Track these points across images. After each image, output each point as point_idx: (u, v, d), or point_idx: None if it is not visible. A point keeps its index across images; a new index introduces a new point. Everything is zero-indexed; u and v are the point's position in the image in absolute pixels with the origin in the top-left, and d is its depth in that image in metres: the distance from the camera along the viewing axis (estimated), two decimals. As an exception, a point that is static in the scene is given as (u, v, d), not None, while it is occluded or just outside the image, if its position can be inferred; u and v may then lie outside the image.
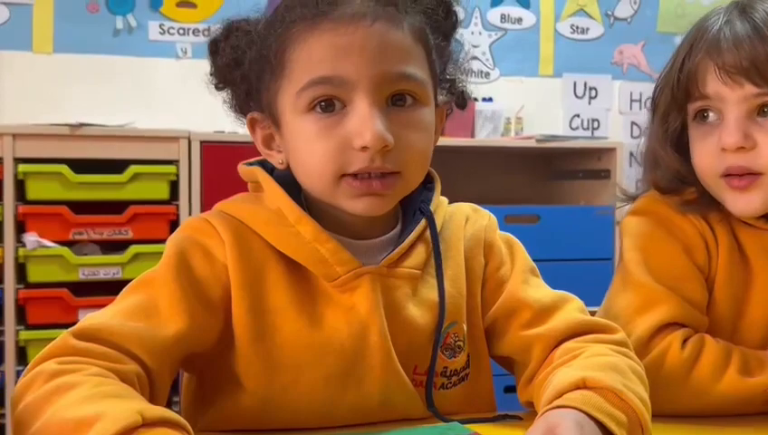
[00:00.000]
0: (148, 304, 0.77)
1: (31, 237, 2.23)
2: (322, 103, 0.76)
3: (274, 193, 0.81)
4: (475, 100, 3.04)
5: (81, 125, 2.29)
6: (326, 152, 0.76)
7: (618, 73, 3.30)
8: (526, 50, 3.21)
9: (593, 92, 3.26)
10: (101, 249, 2.36)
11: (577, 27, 3.26)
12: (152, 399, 0.71)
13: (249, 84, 0.82)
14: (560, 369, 0.75)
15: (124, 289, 0.82)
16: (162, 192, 2.35)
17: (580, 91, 3.26)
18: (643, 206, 0.97)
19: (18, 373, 2.23)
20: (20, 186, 2.24)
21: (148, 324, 0.75)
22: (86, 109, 2.58)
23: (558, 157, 3.00)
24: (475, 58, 3.17)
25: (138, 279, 0.82)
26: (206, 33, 2.81)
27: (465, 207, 0.92)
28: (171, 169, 2.34)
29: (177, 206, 2.35)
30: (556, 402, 0.69)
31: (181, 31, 2.83)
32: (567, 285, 0.87)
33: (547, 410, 0.68)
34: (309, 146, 0.77)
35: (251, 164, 0.86)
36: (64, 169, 2.25)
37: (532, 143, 2.81)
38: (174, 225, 2.35)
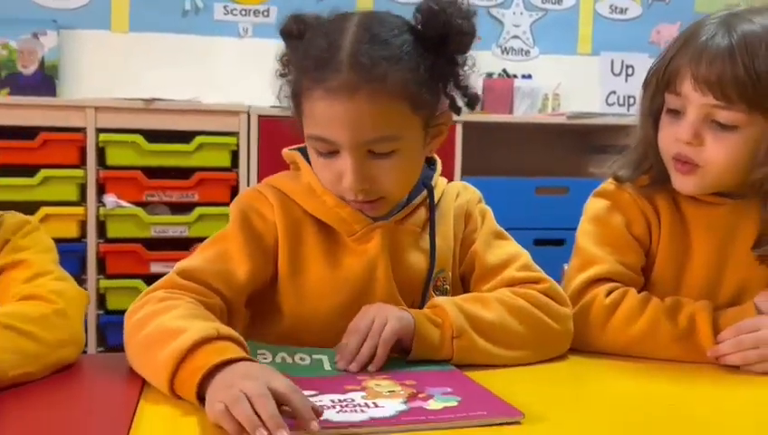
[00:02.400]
0: (223, 253, 1.03)
1: (110, 198, 2.53)
2: (322, 150, 0.98)
3: (307, 173, 1.06)
4: (515, 77, 3.24)
5: (154, 100, 2.58)
6: (329, 180, 1.00)
7: (655, 52, 3.38)
8: (565, 29, 3.37)
9: (630, 70, 3.41)
10: (170, 210, 2.65)
11: (616, 7, 3.41)
12: (228, 326, 0.96)
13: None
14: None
15: (203, 243, 1.07)
16: (224, 160, 2.62)
17: (617, 68, 3.41)
18: (601, 189, 1.18)
19: (98, 317, 2.55)
20: (101, 153, 2.54)
21: (225, 267, 1.01)
22: (157, 84, 2.85)
23: (592, 132, 3.16)
24: (515, 37, 3.35)
25: (213, 236, 1.07)
26: (265, 13, 3.07)
27: (458, 185, 1.15)
28: (232, 139, 2.61)
29: (237, 173, 2.63)
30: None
31: (243, 12, 3.08)
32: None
33: None
34: (318, 168, 1.01)
35: (292, 150, 1.11)
36: (139, 138, 2.54)
37: (563, 119, 2.99)
38: (234, 190, 2.63)
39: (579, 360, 1.03)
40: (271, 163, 2.60)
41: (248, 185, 2.61)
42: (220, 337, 0.83)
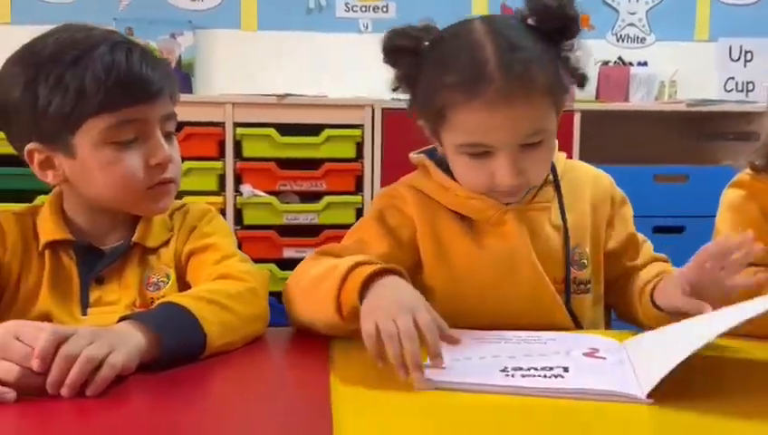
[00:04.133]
0: (360, 241, 1.16)
1: (246, 188, 2.72)
2: (474, 153, 1.07)
3: (436, 174, 1.17)
4: (630, 64, 3.25)
5: (287, 95, 2.74)
6: (478, 181, 1.10)
7: (776, 37, 3.36)
8: (682, 15, 3.35)
9: (749, 56, 3.36)
10: (300, 199, 2.81)
11: (735, -8, 3.36)
12: None
13: (415, 100, 1.13)
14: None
15: (348, 232, 1.21)
16: (350, 152, 2.76)
17: (735, 54, 3.36)
18: (737, 179, 1.23)
19: (235, 298, 2.74)
20: (237, 145, 2.73)
21: (362, 250, 1.13)
22: (283, 80, 3.02)
23: (710, 119, 3.13)
24: (631, 25, 3.35)
25: (352, 228, 1.21)
26: (384, 9, 3.20)
27: (587, 168, 1.24)
28: (357, 132, 2.75)
29: (362, 163, 2.76)
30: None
31: (363, 8, 3.22)
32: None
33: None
34: (460, 171, 1.11)
35: (419, 154, 1.21)
36: (272, 131, 2.71)
37: (682, 107, 2.99)
38: (359, 179, 2.78)
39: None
40: (394, 153, 2.72)
41: (372, 175, 2.74)
42: (370, 262, 0.99)
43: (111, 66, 1.03)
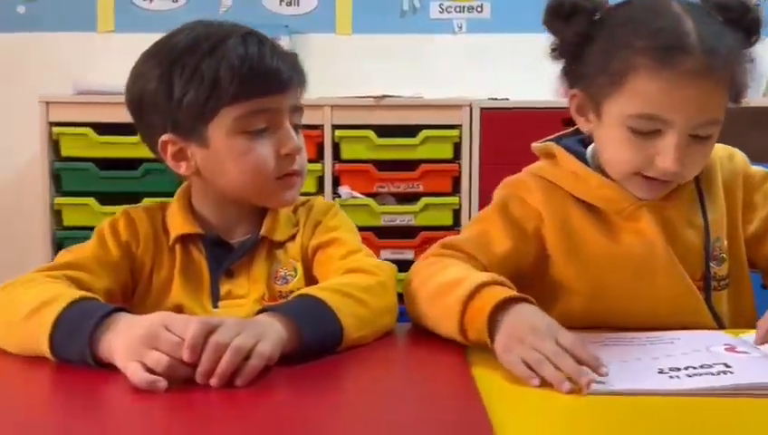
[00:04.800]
0: (484, 233, 1.13)
1: (344, 190, 2.72)
2: (642, 128, 1.01)
3: (568, 159, 1.13)
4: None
5: (384, 96, 2.74)
6: (632, 160, 1.03)
7: None
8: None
9: None
10: (396, 200, 2.81)
11: None
12: None
13: (580, 67, 1.07)
14: None
15: (471, 221, 1.18)
16: (447, 152, 2.74)
17: None
18: None
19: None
20: (336, 148, 2.74)
21: (485, 245, 1.11)
22: (379, 82, 3.02)
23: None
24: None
25: (473, 219, 1.18)
26: (479, 9, 3.16)
27: (717, 148, 1.14)
28: (455, 132, 2.73)
29: (460, 164, 2.74)
30: None
31: (458, 8, 3.19)
32: None
33: None
34: (615, 147, 1.05)
35: (546, 142, 1.17)
36: (370, 133, 2.71)
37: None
38: (456, 180, 2.75)
39: None
40: (492, 153, 2.69)
41: (470, 175, 2.71)
42: (495, 282, 0.95)
43: (245, 57, 1.05)
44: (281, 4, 3.20)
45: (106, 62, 3.09)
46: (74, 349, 0.87)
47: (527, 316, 0.90)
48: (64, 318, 0.88)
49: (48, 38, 3.13)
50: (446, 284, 1.00)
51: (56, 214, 2.75)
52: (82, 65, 3.08)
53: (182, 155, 1.10)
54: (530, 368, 0.83)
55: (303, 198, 1.21)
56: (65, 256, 1.08)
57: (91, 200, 2.71)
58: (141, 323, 0.84)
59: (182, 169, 1.11)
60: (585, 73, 1.07)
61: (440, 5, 3.19)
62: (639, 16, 1.03)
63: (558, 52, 1.09)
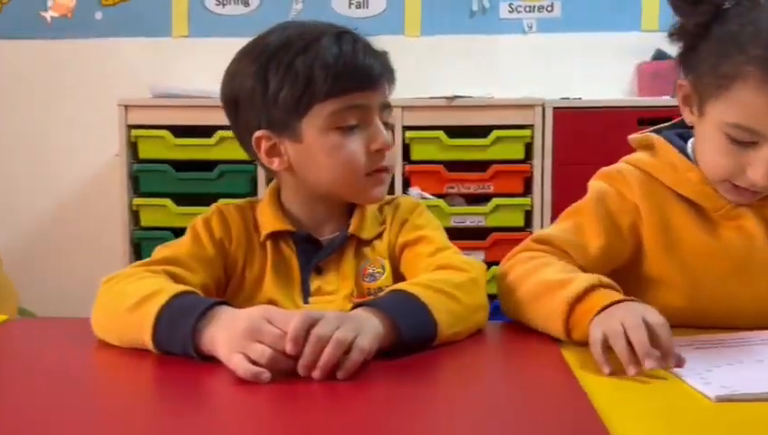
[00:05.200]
0: (578, 226, 1.12)
1: (414, 191, 2.73)
2: (738, 138, 0.99)
3: (668, 150, 1.11)
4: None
5: (455, 97, 2.74)
6: (724, 166, 1.02)
7: None
8: None
9: None
10: (466, 201, 2.80)
11: None
12: None
13: (693, 59, 1.04)
14: None
15: (561, 215, 1.17)
16: (518, 153, 2.72)
17: None
18: None
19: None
20: (406, 149, 2.75)
21: (578, 239, 1.10)
22: (449, 83, 3.02)
23: None
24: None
25: (567, 210, 1.16)
26: (549, 9, 3.14)
27: None
28: (527, 132, 2.71)
29: (531, 165, 2.72)
30: None
31: (528, 8, 3.17)
32: None
33: None
34: (710, 150, 1.03)
35: (647, 133, 1.15)
36: (441, 134, 2.71)
37: None
38: (528, 181, 2.73)
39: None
40: (565, 153, 2.66)
41: (542, 176, 2.69)
42: (602, 285, 0.95)
43: (339, 54, 1.07)
44: (350, 7, 3.23)
45: (181, 66, 3.17)
46: (177, 341, 0.89)
47: (625, 304, 0.91)
48: (167, 311, 0.91)
49: (125, 43, 3.22)
50: (549, 283, 1.00)
51: (134, 214, 2.82)
52: (158, 69, 3.16)
53: (275, 151, 1.12)
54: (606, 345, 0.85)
55: (389, 197, 1.21)
56: (162, 251, 1.10)
57: (167, 201, 2.78)
58: (243, 317, 0.86)
59: (275, 164, 1.13)
60: (695, 67, 1.05)
61: (510, 5, 3.17)
62: (763, 22, 0.99)
63: (676, 36, 1.06)
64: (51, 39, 3.24)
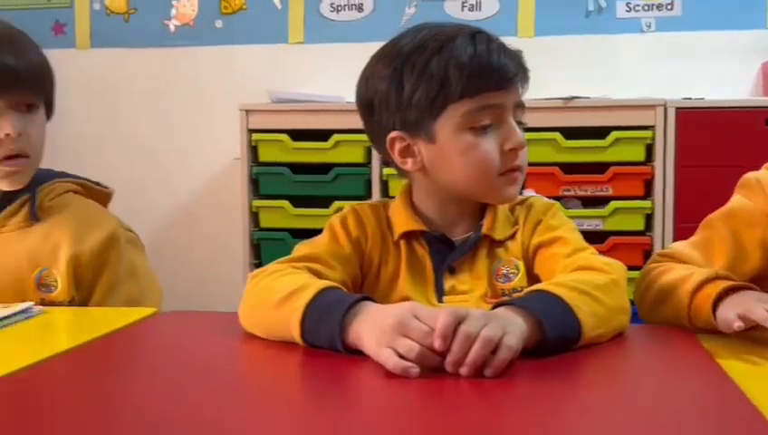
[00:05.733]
0: (706, 241, 1.12)
1: (528, 193, 2.68)
2: None
3: None
4: None
5: (572, 98, 2.70)
6: None
7: None
8: None
9: None
10: (582, 204, 2.75)
11: None
12: None
13: None
14: None
15: (701, 224, 1.14)
16: (639, 155, 2.65)
17: None
18: None
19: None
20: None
21: (703, 256, 1.09)
22: (564, 84, 2.98)
23: None
24: None
25: (703, 221, 1.14)
26: (669, 7, 3.05)
27: None
28: (647, 134, 2.64)
29: (653, 167, 2.64)
30: None
31: (646, 7, 3.09)
32: None
33: None
34: None
35: None
36: (557, 135, 2.68)
37: None
38: (648, 184, 2.66)
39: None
40: (688, 155, 2.58)
41: (664, 179, 2.61)
42: (719, 277, 0.99)
43: (473, 54, 1.08)
44: (462, 10, 3.23)
45: (297, 71, 3.25)
46: (324, 335, 0.91)
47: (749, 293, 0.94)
48: (315, 305, 0.93)
49: (244, 50, 3.32)
50: (670, 284, 1.03)
51: (254, 215, 2.91)
52: (275, 75, 3.25)
53: (409, 151, 1.13)
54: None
55: (521, 198, 1.21)
56: (303, 249, 1.13)
57: (285, 203, 2.85)
58: (391, 312, 0.88)
59: (408, 164, 1.14)
60: None
61: (627, 4, 3.10)
62: None
63: None
64: (174, 47, 3.39)
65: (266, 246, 2.90)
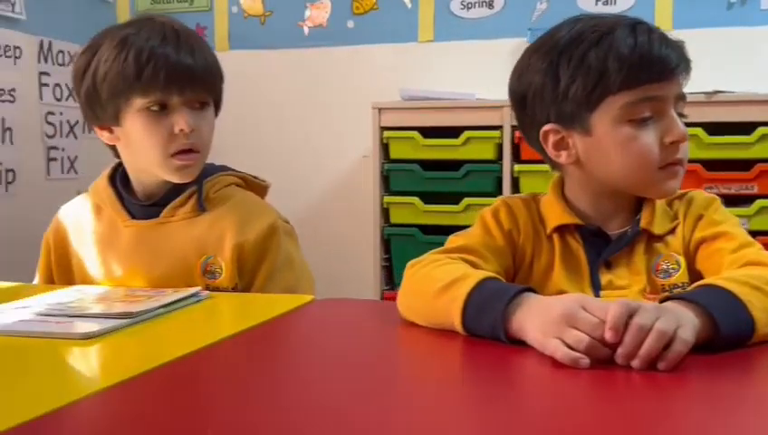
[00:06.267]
0: None
1: (668, 191, 2.62)
2: None
3: None
4: None
5: (716, 92, 2.59)
6: None
7: None
8: None
9: None
10: (725, 202, 2.62)
11: None
12: None
13: None
14: None
15: None
16: (788, 151, 2.53)
17: None
18: None
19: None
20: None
21: None
22: (707, 78, 2.86)
23: None
24: None
25: None
26: (819, -4, 2.88)
27: None
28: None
29: (803, 164, 2.51)
30: None
31: (794, -3, 2.94)
32: None
33: None
34: None
35: None
36: (699, 131, 2.58)
37: None
38: (799, 182, 2.52)
39: None
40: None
41: (815, 177, 2.47)
42: None
43: (634, 45, 1.06)
44: (596, 4, 3.17)
45: (428, 69, 3.28)
46: (486, 324, 0.92)
47: None
48: (476, 295, 0.94)
49: (375, 50, 3.38)
50: None
51: (384, 211, 2.95)
52: (405, 73, 3.28)
53: (563, 144, 1.13)
54: None
55: (680, 192, 1.18)
56: (456, 240, 1.15)
57: (415, 199, 2.88)
58: (558, 303, 0.88)
59: (562, 157, 1.13)
60: None
61: (774, -5, 2.95)
62: None
63: None
64: (308, 48, 3.48)
65: (396, 242, 2.94)
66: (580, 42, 1.08)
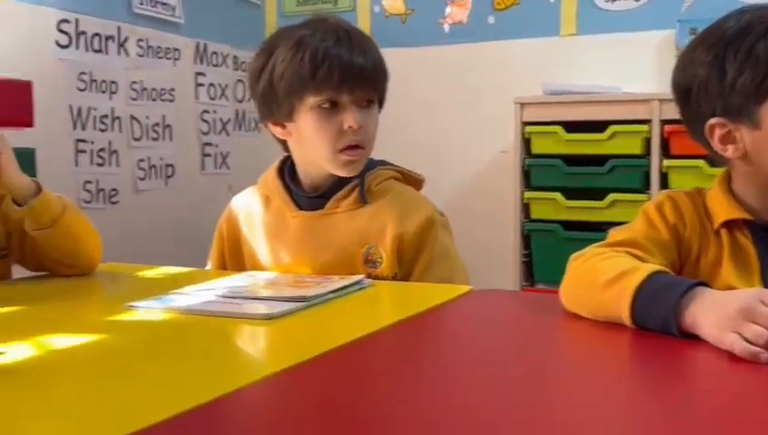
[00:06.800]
0: None
1: None
2: None
3: None
4: None
5: None
6: None
7: None
8: None
9: None
10: None
11: None
12: None
13: None
14: None
15: None
16: None
17: None
18: None
19: None
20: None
21: None
22: None
23: None
24: None
25: None
26: None
27: None
28: None
29: None
30: None
31: None
32: None
33: None
34: None
35: None
36: None
37: None
38: None
39: None
40: None
41: None
42: None
43: None
44: (751, -7, 3.03)
45: (570, 64, 3.24)
46: (657, 317, 0.92)
47: None
48: (646, 288, 0.94)
49: (516, 44, 3.37)
50: None
51: (524, 207, 2.95)
52: (547, 68, 3.26)
53: (730, 138, 1.10)
54: None
55: None
56: (619, 234, 1.14)
57: (557, 195, 2.86)
58: (735, 298, 0.87)
59: (729, 151, 1.11)
60: None
61: None
62: None
63: None
64: (448, 44, 3.51)
65: (536, 238, 2.93)
66: (747, 33, 1.06)
